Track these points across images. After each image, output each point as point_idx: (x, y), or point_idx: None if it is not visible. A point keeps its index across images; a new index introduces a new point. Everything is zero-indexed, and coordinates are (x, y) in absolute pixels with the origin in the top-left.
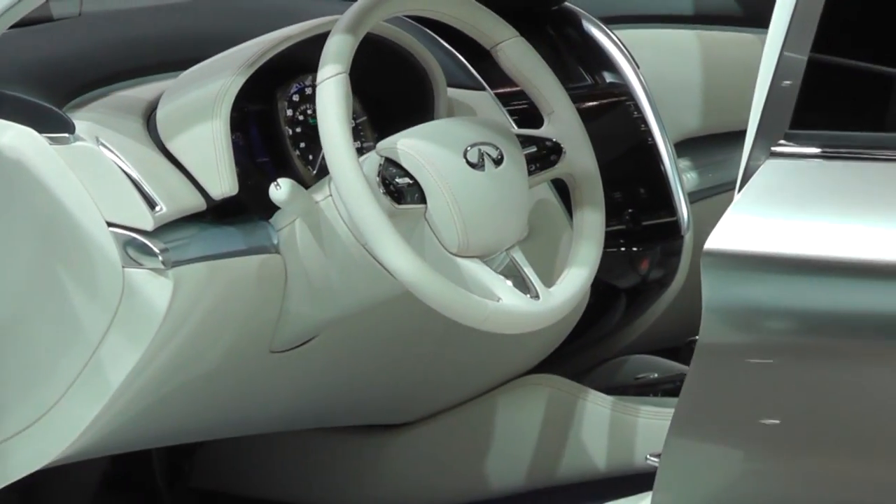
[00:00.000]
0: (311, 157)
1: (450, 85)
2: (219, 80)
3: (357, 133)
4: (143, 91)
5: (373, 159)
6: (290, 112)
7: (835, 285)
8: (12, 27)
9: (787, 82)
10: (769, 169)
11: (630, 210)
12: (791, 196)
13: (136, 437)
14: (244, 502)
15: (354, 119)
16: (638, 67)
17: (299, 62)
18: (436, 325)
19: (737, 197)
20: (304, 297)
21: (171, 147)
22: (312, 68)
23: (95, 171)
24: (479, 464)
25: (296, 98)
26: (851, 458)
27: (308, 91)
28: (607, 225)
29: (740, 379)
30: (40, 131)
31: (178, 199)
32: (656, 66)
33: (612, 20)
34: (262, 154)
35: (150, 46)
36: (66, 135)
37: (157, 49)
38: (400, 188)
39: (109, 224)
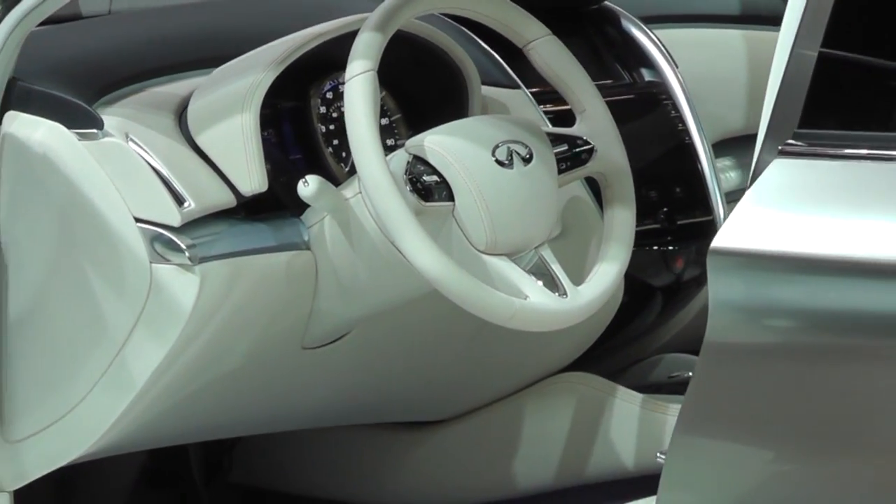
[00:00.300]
0: (343, 154)
1: (485, 83)
2: (249, 76)
3: (391, 131)
4: (176, 87)
5: (401, 157)
6: (323, 109)
7: (841, 284)
8: (42, 24)
9: (798, 81)
10: (777, 168)
11: (665, 209)
12: (799, 195)
13: (167, 433)
14: (282, 498)
15: (389, 117)
16: (676, 66)
17: (333, 59)
18: (468, 323)
19: (745, 196)
20: (334, 293)
21: (201, 143)
22: (346, 66)
23: (123, 167)
24: (510, 461)
25: (329, 95)
26: (858, 458)
27: (342, 88)
28: (642, 224)
29: (746, 378)
30: (69, 127)
31: (206, 195)
32: (700, 65)
33: (656, 19)
34: (294, 151)
35: (185, 43)
36: (95, 130)
37: (193, 46)
38: (427, 186)
39: (137, 220)
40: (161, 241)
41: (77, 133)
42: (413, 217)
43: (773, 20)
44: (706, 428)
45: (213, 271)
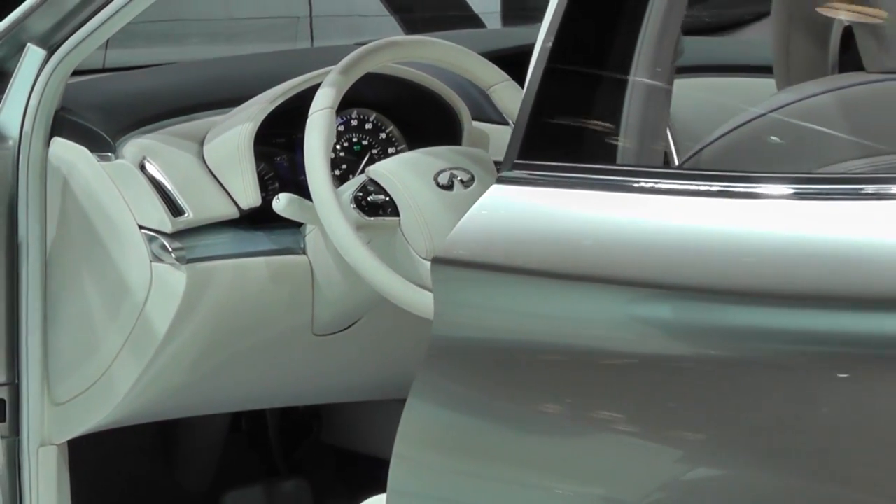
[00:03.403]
0: (350, 177)
1: (478, 119)
2: (252, 109)
3: None
4: (205, 122)
5: (358, 179)
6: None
7: (530, 292)
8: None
9: (522, 118)
10: (494, 192)
11: None
12: (504, 216)
13: (194, 403)
14: (366, 459)
15: (395, 146)
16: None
17: (344, 96)
18: None
19: (465, 216)
20: (327, 290)
21: (210, 164)
22: (356, 103)
23: (131, 184)
24: None
25: (341, 128)
26: (557, 443)
27: (353, 122)
28: None
29: (462, 366)
30: (92, 150)
31: (208, 208)
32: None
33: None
34: (304, 174)
35: (215, 86)
36: (110, 154)
37: (222, 88)
38: (374, 203)
39: (140, 226)
40: (157, 245)
41: (97, 155)
42: (347, 226)
43: None
44: (433, 398)
45: (201, 270)
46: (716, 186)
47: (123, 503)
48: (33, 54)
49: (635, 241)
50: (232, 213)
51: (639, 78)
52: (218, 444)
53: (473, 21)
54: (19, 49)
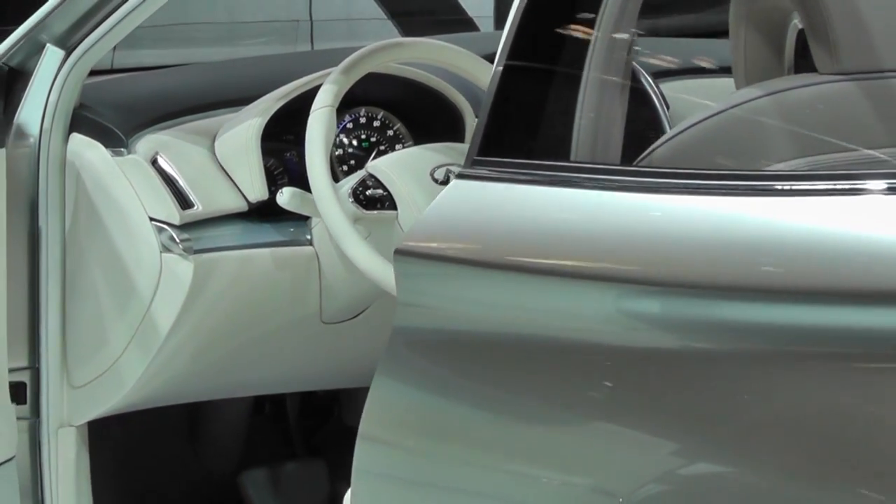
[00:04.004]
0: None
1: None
2: (260, 107)
3: None
4: (218, 120)
5: (358, 175)
6: (343, 137)
7: (486, 284)
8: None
9: (482, 116)
10: (454, 188)
11: None
12: (463, 211)
13: (207, 386)
14: None
15: (402, 143)
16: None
17: (354, 95)
18: None
19: (427, 209)
20: (333, 279)
21: (221, 160)
22: (365, 101)
23: (142, 178)
24: None
25: (350, 126)
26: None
27: (362, 120)
28: None
29: (423, 356)
30: (106, 146)
31: (217, 201)
32: None
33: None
34: None
35: (230, 86)
36: (123, 149)
37: (236, 88)
38: (372, 198)
39: (151, 218)
40: (165, 236)
41: (111, 151)
42: (343, 217)
43: None
44: (397, 380)
45: (207, 260)
46: (668, 183)
47: (148, 482)
48: (52, 54)
49: (589, 236)
50: (240, 206)
51: (593, 75)
52: (241, 427)
53: (468, 24)
54: (39, 49)
